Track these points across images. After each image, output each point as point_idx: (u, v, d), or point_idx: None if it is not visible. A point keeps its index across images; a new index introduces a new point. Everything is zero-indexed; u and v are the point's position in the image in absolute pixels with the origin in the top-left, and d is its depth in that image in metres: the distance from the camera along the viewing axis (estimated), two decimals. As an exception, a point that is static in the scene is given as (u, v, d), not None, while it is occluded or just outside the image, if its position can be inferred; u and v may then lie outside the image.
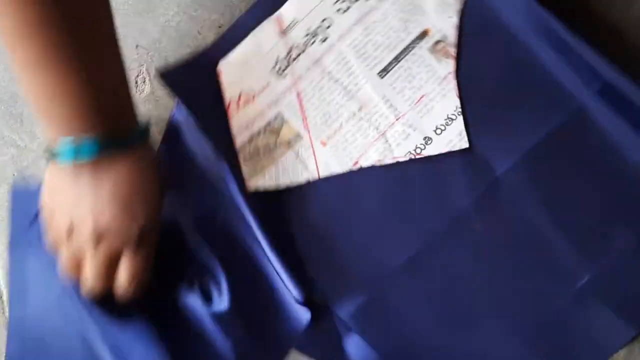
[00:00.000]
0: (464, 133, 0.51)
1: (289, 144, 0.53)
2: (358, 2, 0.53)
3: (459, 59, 0.52)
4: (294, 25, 0.54)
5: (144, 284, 0.48)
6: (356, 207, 0.52)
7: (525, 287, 0.49)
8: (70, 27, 0.41)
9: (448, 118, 0.51)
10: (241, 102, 0.54)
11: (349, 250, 0.52)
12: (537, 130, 0.50)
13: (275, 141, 0.53)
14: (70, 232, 0.46)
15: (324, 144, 0.53)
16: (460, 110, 0.51)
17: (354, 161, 0.52)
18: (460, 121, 0.51)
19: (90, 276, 0.47)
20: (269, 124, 0.53)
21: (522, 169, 0.50)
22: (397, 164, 0.52)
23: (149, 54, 0.57)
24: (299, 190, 0.53)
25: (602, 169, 0.49)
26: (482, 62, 0.51)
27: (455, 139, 0.51)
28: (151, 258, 0.48)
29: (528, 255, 0.49)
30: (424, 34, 0.53)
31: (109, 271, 0.47)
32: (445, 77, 0.52)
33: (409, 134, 0.52)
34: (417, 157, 0.51)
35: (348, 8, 0.54)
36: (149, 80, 0.57)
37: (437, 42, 0.52)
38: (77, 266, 0.47)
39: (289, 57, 0.54)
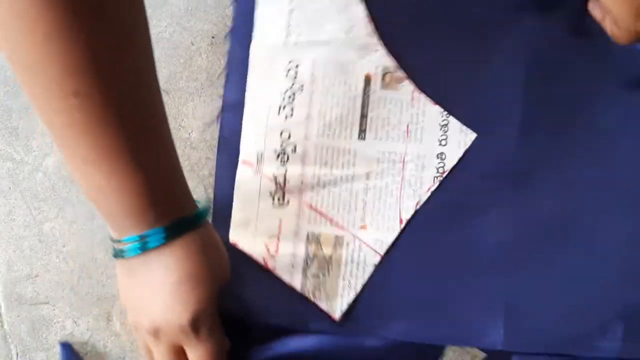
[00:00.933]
0: (464, 127, 0.51)
1: (336, 250, 0.52)
2: (297, 100, 0.53)
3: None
4: (262, 157, 0.53)
5: None
6: (429, 255, 0.52)
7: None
8: (126, 122, 0.39)
9: (442, 126, 0.51)
10: (271, 252, 0.52)
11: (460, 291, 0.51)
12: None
13: (324, 256, 0.52)
14: (135, 326, 0.45)
15: (364, 227, 0.52)
16: (446, 112, 0.52)
17: (398, 221, 0.51)
18: (454, 121, 0.52)
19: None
20: (307, 249, 0.52)
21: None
22: (437, 191, 0.52)
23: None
24: (376, 273, 0.52)
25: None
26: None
27: (462, 137, 0.51)
28: (218, 340, 0.46)
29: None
30: (368, 79, 0.53)
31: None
32: (412, 98, 0.52)
33: (422, 164, 0.52)
34: (445, 175, 0.51)
35: (292, 110, 0.53)
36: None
37: (383, 76, 0.52)
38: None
39: (277, 185, 0.53)
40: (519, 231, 0.51)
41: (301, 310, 0.52)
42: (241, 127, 0.54)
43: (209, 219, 0.51)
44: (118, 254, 0.43)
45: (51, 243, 0.55)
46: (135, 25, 0.38)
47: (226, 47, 0.56)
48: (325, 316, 0.52)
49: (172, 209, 0.43)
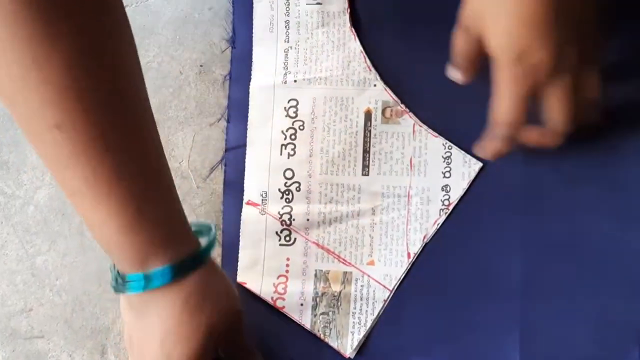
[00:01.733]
0: (468, 157, 0.51)
1: (345, 286, 0.51)
2: (298, 138, 0.53)
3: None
4: (266, 198, 0.53)
5: None
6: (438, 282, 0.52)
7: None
8: (114, 153, 0.37)
9: (445, 158, 0.51)
10: (279, 291, 0.52)
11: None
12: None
13: (333, 294, 0.51)
14: (132, 354, 0.44)
15: (371, 263, 0.52)
16: (449, 144, 0.52)
17: (406, 255, 0.51)
18: (457, 152, 0.52)
19: None
20: (315, 287, 0.52)
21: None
22: (444, 223, 0.52)
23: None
24: (386, 309, 0.52)
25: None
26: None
27: (465, 169, 0.51)
28: None
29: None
30: (368, 114, 0.53)
31: None
32: (414, 131, 0.52)
33: (428, 197, 0.52)
34: (450, 207, 0.51)
35: (294, 149, 0.53)
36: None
37: (384, 110, 0.52)
38: None
39: (283, 223, 0.53)
40: (530, 258, 0.51)
41: (313, 350, 0.52)
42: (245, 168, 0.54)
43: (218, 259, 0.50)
44: (118, 288, 0.41)
45: (44, 276, 0.56)
46: (117, 52, 0.37)
47: (215, 74, 0.56)
48: (338, 355, 0.51)
49: (176, 245, 0.41)
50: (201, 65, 0.56)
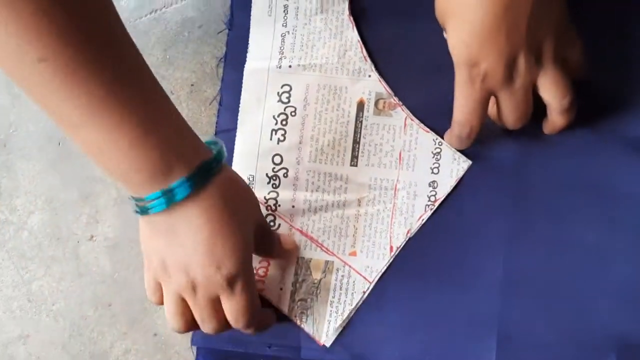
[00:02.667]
0: (458, 154, 0.51)
1: (325, 275, 0.51)
2: (289, 124, 0.53)
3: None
4: (253, 182, 0.53)
5: (256, 317, 0.45)
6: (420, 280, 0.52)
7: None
8: (104, 75, 0.36)
9: (434, 154, 0.51)
10: (260, 274, 0.52)
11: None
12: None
13: (313, 281, 0.51)
14: (167, 278, 0.44)
15: (354, 254, 0.52)
16: (439, 140, 0.51)
17: (388, 248, 0.51)
18: (447, 149, 0.52)
19: (201, 321, 0.45)
20: (296, 273, 0.52)
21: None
22: (434, 220, 0.52)
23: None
24: (365, 300, 0.52)
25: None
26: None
27: (454, 166, 0.51)
28: (252, 292, 0.45)
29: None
30: (361, 105, 0.53)
31: (216, 313, 0.44)
32: (405, 125, 0.52)
33: (414, 192, 0.52)
34: (436, 203, 0.51)
35: (284, 135, 0.53)
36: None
37: (377, 102, 0.52)
38: (183, 310, 0.45)
39: (269, 209, 0.53)
40: (512, 257, 0.51)
41: (293, 335, 0.52)
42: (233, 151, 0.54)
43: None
44: (142, 212, 0.41)
45: (40, 302, 0.56)
46: None
47: (207, 93, 0.56)
48: (315, 342, 0.51)
49: (189, 155, 0.40)
50: (192, 85, 0.56)
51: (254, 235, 0.45)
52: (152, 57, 0.56)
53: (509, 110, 0.45)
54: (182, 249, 0.42)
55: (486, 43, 0.42)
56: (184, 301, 0.45)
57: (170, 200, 0.40)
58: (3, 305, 0.56)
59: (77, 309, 0.55)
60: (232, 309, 0.44)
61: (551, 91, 0.44)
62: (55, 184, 0.57)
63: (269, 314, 0.50)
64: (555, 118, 0.46)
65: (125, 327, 0.55)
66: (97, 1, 0.37)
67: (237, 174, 0.45)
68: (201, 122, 0.56)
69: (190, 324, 0.46)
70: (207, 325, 0.45)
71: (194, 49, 0.57)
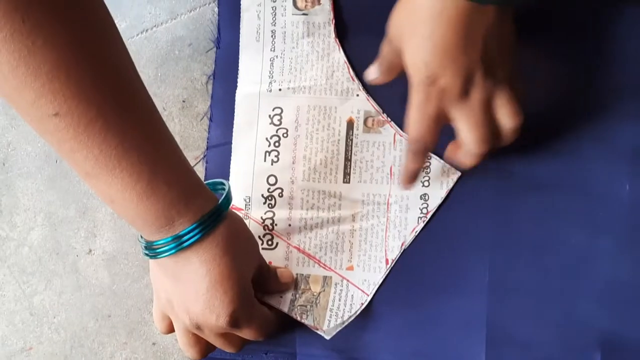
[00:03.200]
0: (447, 166, 0.53)
1: (324, 289, 0.53)
2: (282, 145, 0.54)
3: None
4: (249, 203, 0.54)
5: (271, 333, 0.49)
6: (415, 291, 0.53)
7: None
8: (115, 130, 0.38)
9: (424, 167, 0.53)
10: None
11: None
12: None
13: (312, 293, 0.53)
14: (174, 315, 0.46)
15: (350, 268, 0.53)
16: (428, 153, 0.52)
17: (384, 261, 0.53)
18: (436, 161, 0.53)
19: (218, 347, 0.48)
20: (295, 289, 0.53)
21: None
22: (424, 231, 0.53)
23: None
24: (363, 317, 0.53)
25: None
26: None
27: (444, 178, 0.53)
28: (259, 322, 0.47)
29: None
30: (350, 123, 0.54)
31: (229, 341, 0.48)
32: (395, 140, 0.53)
33: (406, 205, 0.53)
34: (428, 215, 0.53)
35: (278, 155, 0.54)
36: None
37: (365, 120, 0.53)
38: (195, 341, 0.48)
39: (266, 228, 0.54)
40: (498, 259, 0.53)
41: (289, 341, 0.54)
42: (226, 165, 0.55)
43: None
44: (151, 256, 0.43)
45: (42, 315, 0.57)
46: (101, 27, 0.38)
47: (198, 109, 0.57)
48: (314, 341, 0.53)
49: (197, 203, 0.42)
50: (183, 101, 0.57)
51: (253, 277, 0.47)
52: (144, 75, 0.57)
53: (467, 129, 0.45)
54: (185, 295, 0.44)
55: (445, 59, 0.42)
56: (194, 334, 0.47)
57: (179, 246, 0.42)
58: (6, 319, 0.57)
59: (78, 321, 0.57)
60: (245, 337, 0.48)
61: (506, 109, 0.45)
62: (53, 201, 0.58)
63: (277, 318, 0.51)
64: (505, 137, 0.46)
65: (125, 337, 0.57)
66: (113, 56, 0.38)
67: (240, 218, 0.47)
68: (193, 136, 0.57)
69: (205, 351, 0.49)
70: (225, 350, 0.48)
71: (184, 66, 0.57)
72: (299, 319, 0.52)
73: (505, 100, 0.44)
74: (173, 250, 0.42)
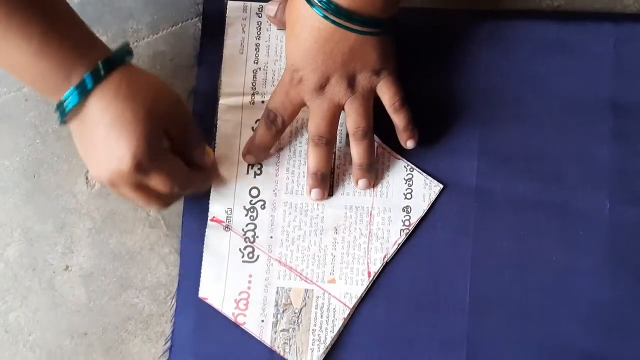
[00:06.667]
0: (430, 179, 0.53)
1: (305, 304, 0.52)
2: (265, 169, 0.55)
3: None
4: (231, 215, 0.54)
5: (186, 183, 0.49)
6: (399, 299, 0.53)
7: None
8: None
9: (406, 180, 0.53)
10: (241, 307, 0.53)
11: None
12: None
13: (294, 311, 0.52)
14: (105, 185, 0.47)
15: (332, 281, 0.53)
16: (411, 166, 0.53)
17: (367, 274, 0.53)
18: (418, 175, 0.53)
19: (135, 201, 0.49)
20: (277, 303, 0.53)
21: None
22: (406, 244, 0.53)
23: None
24: (343, 335, 0.53)
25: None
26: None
27: (427, 191, 0.53)
28: (168, 171, 0.47)
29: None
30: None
31: (147, 195, 0.48)
32: (377, 153, 0.54)
33: (389, 218, 0.53)
34: (411, 227, 0.53)
35: (260, 168, 0.54)
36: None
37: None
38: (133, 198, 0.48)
39: (247, 240, 0.54)
40: (478, 277, 0.53)
41: None
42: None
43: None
44: (62, 116, 0.44)
45: (17, 333, 0.56)
46: None
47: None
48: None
49: (93, 53, 0.44)
50: None
51: (170, 131, 0.47)
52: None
53: (313, 121, 0.51)
54: (95, 155, 0.45)
55: (306, 57, 0.49)
56: (136, 190, 0.47)
57: (82, 92, 0.43)
58: (-20, 337, 0.56)
59: (54, 339, 0.55)
60: (156, 188, 0.47)
61: (354, 116, 0.50)
62: (30, 216, 0.57)
63: (204, 174, 0.52)
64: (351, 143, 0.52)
65: (102, 356, 0.55)
66: None
67: (143, 71, 0.47)
68: (176, 152, 0.56)
69: (158, 200, 0.49)
70: (151, 207, 0.51)
71: (166, 81, 0.57)
72: (282, 353, 0.52)
73: (356, 107, 0.50)
74: (77, 99, 0.43)
